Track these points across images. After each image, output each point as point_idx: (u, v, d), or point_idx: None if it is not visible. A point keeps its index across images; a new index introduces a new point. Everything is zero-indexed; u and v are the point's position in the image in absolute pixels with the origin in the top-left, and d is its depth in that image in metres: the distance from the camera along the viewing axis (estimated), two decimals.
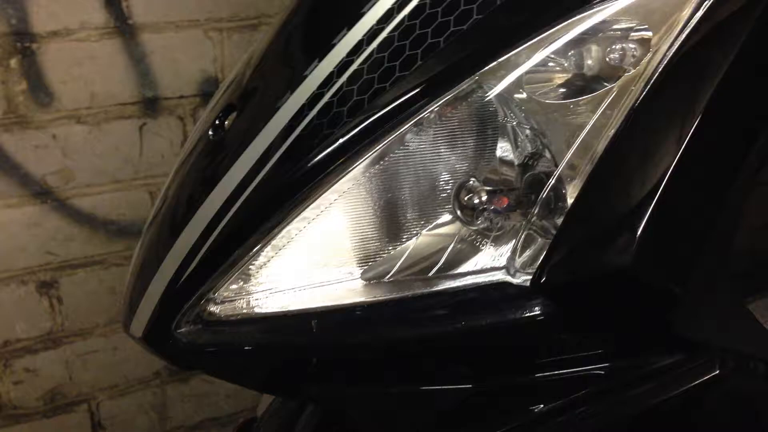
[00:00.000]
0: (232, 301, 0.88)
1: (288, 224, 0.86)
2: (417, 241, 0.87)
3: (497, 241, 0.83)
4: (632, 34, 0.78)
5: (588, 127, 0.77)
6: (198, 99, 1.98)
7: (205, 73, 1.96)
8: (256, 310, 0.86)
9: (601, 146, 0.77)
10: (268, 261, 0.88)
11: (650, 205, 0.76)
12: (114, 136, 1.93)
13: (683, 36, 0.76)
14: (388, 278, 0.89)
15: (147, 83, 1.91)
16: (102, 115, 1.89)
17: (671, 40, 0.77)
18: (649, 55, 0.77)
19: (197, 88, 1.97)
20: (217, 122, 0.97)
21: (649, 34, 0.78)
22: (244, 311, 0.87)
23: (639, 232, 0.76)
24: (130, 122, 1.93)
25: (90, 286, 2.02)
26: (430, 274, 0.87)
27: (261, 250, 0.87)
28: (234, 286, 0.88)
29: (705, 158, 0.78)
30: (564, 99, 0.79)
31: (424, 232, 0.87)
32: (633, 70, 0.77)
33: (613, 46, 0.78)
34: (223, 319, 0.87)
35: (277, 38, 1.01)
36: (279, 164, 0.87)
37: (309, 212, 0.86)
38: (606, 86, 0.78)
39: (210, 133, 0.97)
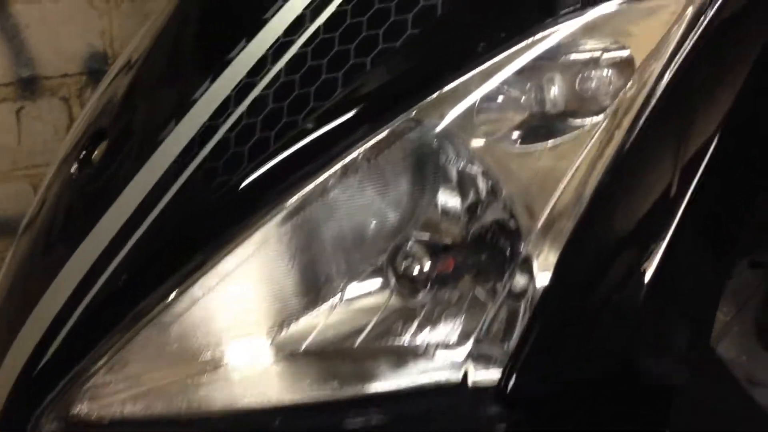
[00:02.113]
0: (105, 395, 0.69)
1: (181, 293, 0.67)
2: (338, 310, 0.70)
3: (444, 317, 0.67)
4: (606, 56, 0.62)
5: (564, 181, 0.60)
6: (84, 77, 1.75)
7: (92, 48, 1.73)
8: (136, 409, 0.67)
9: (579, 204, 0.60)
10: (152, 342, 0.69)
11: (647, 280, 0.60)
12: None
13: (679, 58, 0.60)
14: (305, 347, 0.72)
15: (23, 61, 1.68)
16: None
17: (661, 64, 0.60)
18: (633, 83, 0.61)
19: (83, 66, 1.74)
20: (83, 155, 0.76)
21: (627, 54, 0.62)
22: (121, 410, 0.68)
23: (636, 316, 0.60)
24: (5, 106, 1.70)
25: None
26: (356, 345, 0.70)
27: (142, 328, 0.68)
28: (108, 376, 0.69)
29: (710, 217, 0.62)
30: (526, 143, 0.62)
31: (348, 298, 0.70)
32: (613, 104, 0.61)
33: (583, 75, 0.61)
34: (94, 421, 0.68)
35: (160, 43, 0.81)
36: (164, 218, 0.68)
37: (207, 279, 0.67)
38: (578, 126, 0.61)
39: (74, 170, 0.77)
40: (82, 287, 0.70)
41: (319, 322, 0.72)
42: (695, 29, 0.60)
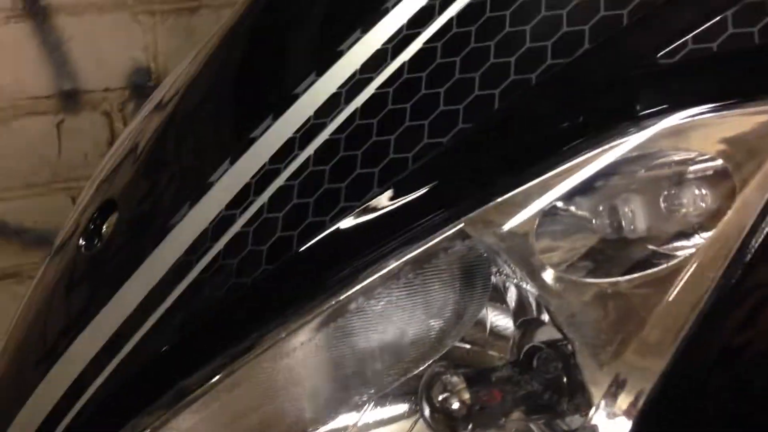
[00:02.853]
0: None
1: (183, 407, 0.59)
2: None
3: None
4: (698, 170, 0.51)
5: (646, 323, 0.49)
6: (127, 92, 1.70)
7: (135, 63, 1.68)
8: None
9: (666, 348, 0.49)
10: None
11: None
12: (27, 135, 1.66)
13: None
14: None
15: (64, 74, 1.64)
16: (11, 110, 1.61)
17: None
18: (735, 204, 0.50)
19: (125, 80, 1.69)
20: (92, 226, 0.68)
21: (724, 167, 0.51)
22: None
23: None
24: (46, 119, 1.65)
25: (1, 302, 1.76)
26: None
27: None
28: None
29: None
30: (598, 275, 0.51)
31: (373, 420, 0.61)
32: (710, 231, 0.50)
33: (670, 192, 0.50)
34: None
35: (180, 110, 0.72)
36: (169, 317, 0.60)
37: (207, 398, 0.58)
38: (665, 256, 0.50)
39: (81, 242, 0.69)
40: (76, 386, 0.63)
41: None
42: None
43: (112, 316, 0.64)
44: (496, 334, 0.60)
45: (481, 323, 0.60)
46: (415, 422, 0.59)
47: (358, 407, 0.63)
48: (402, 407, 0.60)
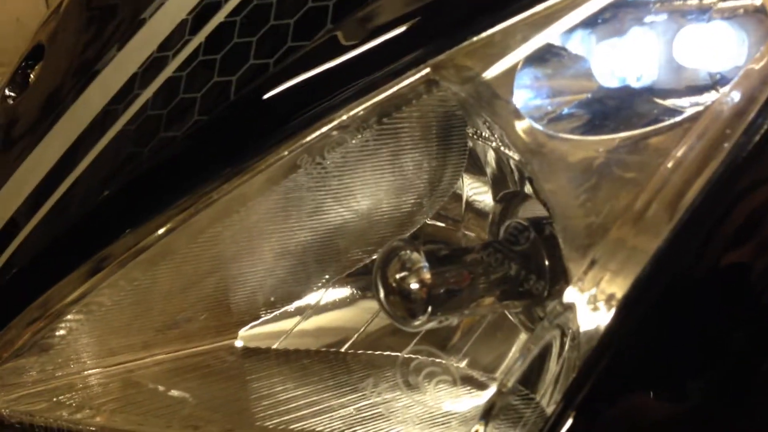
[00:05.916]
0: (23, 386, 0.54)
1: (115, 270, 0.51)
2: (322, 309, 0.54)
3: (457, 340, 0.49)
4: (723, 5, 0.40)
5: (646, 189, 0.39)
6: None
7: None
8: (63, 415, 0.51)
9: (667, 221, 0.39)
10: (80, 325, 0.53)
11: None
12: (16, 9, 1.61)
13: None
14: (277, 345, 0.57)
15: None
16: None
17: None
18: (765, 50, 0.39)
19: None
20: (19, 72, 0.60)
21: (757, 3, 0.40)
22: (39, 413, 0.52)
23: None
24: None
25: None
26: (343, 349, 0.55)
27: (72, 305, 0.52)
28: (26, 359, 0.53)
29: None
30: (591, 132, 0.41)
31: (334, 298, 0.53)
32: (734, 80, 0.39)
33: (687, 32, 0.40)
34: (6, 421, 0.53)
35: None
36: (94, 171, 0.51)
37: (147, 254, 0.50)
38: (675, 110, 0.40)
39: (8, 92, 0.60)
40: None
41: (296, 319, 0.56)
42: None
43: (35, 169, 0.56)
44: (475, 209, 0.51)
45: (457, 197, 0.51)
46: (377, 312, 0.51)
47: (318, 287, 0.56)
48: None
